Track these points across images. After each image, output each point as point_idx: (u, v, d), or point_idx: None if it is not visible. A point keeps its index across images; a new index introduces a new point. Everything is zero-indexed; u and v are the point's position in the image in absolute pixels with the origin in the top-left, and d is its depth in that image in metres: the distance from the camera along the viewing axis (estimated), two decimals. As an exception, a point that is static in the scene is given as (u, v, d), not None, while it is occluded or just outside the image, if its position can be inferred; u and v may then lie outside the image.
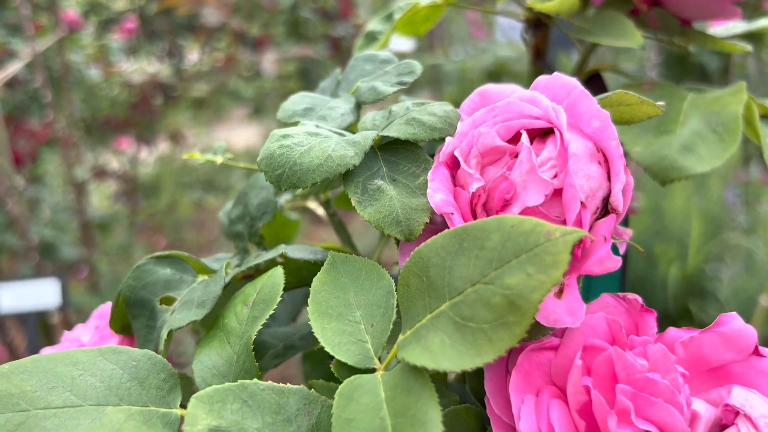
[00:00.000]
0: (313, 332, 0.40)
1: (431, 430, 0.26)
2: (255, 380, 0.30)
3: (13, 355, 1.94)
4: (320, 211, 0.50)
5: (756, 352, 0.34)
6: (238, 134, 3.82)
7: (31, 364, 0.32)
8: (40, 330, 1.84)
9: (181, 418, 0.32)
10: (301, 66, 2.82)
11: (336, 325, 0.32)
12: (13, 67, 1.89)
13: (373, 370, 0.30)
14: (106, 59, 2.57)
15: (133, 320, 0.39)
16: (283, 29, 2.82)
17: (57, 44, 2.09)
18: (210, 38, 2.88)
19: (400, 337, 0.30)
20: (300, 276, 0.40)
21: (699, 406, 0.33)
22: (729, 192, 2.29)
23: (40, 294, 1.77)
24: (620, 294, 0.36)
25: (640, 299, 0.35)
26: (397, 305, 0.31)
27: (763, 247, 1.87)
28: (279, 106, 0.42)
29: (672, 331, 0.35)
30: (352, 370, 0.30)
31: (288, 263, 0.40)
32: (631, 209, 0.58)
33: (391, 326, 0.31)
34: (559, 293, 0.31)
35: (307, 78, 2.75)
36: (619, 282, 0.52)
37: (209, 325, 0.38)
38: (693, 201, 2.11)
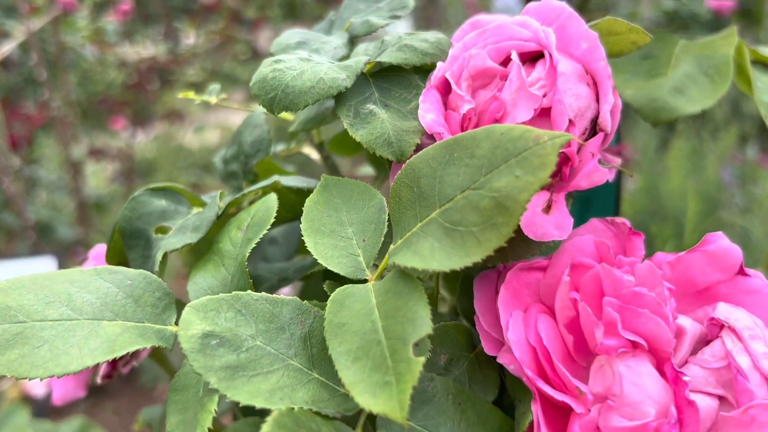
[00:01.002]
0: (306, 265, 0.41)
1: (421, 328, 0.27)
2: (249, 291, 0.31)
3: None
4: (314, 155, 0.50)
5: (741, 272, 0.34)
6: (236, 117, 3.81)
7: (29, 281, 0.33)
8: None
9: (176, 335, 0.33)
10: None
11: (328, 240, 0.32)
12: (8, 46, 1.88)
13: (365, 281, 0.31)
14: (102, 40, 2.56)
15: (128, 251, 0.40)
16: (279, 11, 2.82)
17: (52, 25, 2.08)
18: (206, 20, 2.87)
19: (391, 247, 0.30)
20: (293, 210, 0.41)
21: (685, 322, 0.33)
22: (725, 172, 2.29)
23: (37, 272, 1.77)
24: (608, 218, 0.36)
25: (628, 223, 0.36)
26: (389, 220, 0.32)
27: (758, 225, 1.88)
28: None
29: (660, 255, 0.36)
30: (344, 282, 0.31)
31: (282, 197, 0.40)
32: (624, 157, 0.59)
33: (383, 239, 0.31)
34: (548, 209, 0.32)
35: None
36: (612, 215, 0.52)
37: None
38: (689, 181, 2.11)
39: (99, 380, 0.43)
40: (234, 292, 0.31)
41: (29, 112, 2.69)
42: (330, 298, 0.30)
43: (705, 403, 0.30)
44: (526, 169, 0.27)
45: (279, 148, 0.55)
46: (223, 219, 0.40)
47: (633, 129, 2.85)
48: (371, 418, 0.30)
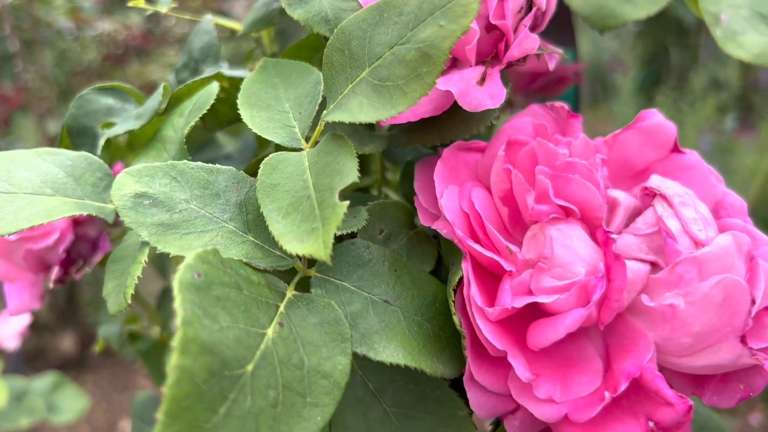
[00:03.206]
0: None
1: (347, 176, 0.27)
2: (184, 160, 0.31)
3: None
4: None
5: (676, 149, 0.35)
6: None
7: (-34, 159, 0.33)
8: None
9: (116, 213, 0.33)
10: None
11: (265, 114, 0.32)
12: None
13: (300, 150, 0.31)
14: (79, 17, 2.53)
15: (76, 150, 0.40)
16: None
17: (26, 2, 2.05)
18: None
19: (324, 112, 0.31)
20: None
21: (619, 195, 0.34)
22: (703, 142, 2.31)
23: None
24: (548, 103, 0.37)
25: (567, 106, 0.36)
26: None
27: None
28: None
29: (598, 138, 0.36)
30: (279, 150, 0.31)
31: (229, 97, 0.40)
32: (579, 78, 0.59)
33: (317, 108, 0.32)
34: (482, 81, 0.32)
35: (284, 35, 2.72)
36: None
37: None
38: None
39: (51, 285, 0.43)
40: (170, 162, 0.31)
41: (6, 93, 2.65)
42: (263, 162, 0.30)
43: (636, 268, 0.31)
44: (450, 18, 0.27)
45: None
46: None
47: (611, 102, 2.86)
48: (304, 281, 0.30)
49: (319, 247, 0.26)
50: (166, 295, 0.51)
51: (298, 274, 0.30)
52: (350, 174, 0.27)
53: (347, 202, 0.26)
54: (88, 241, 0.44)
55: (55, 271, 0.43)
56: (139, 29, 2.74)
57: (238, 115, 0.40)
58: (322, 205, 0.27)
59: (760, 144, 2.25)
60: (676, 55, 2.34)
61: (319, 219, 0.27)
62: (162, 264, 0.54)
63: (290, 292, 0.28)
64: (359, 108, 0.28)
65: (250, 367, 0.24)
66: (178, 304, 0.22)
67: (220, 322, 0.23)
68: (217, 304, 0.24)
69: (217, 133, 0.52)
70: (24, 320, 0.94)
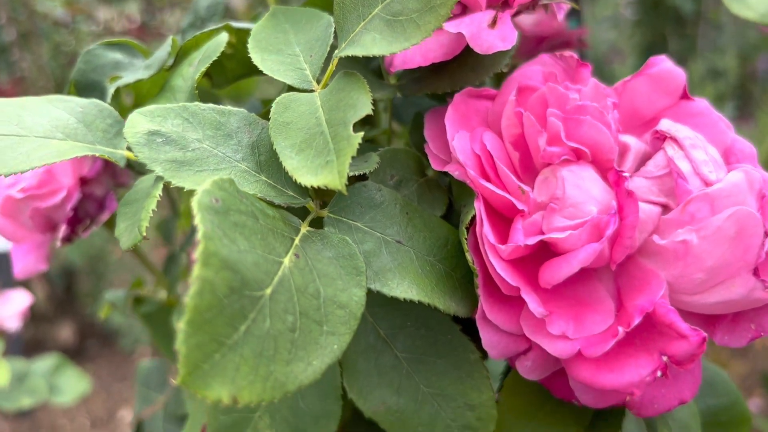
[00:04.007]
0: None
1: (361, 109, 0.27)
2: (196, 102, 0.31)
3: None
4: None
5: (685, 96, 0.35)
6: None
7: (-23, 104, 0.33)
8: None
9: (127, 159, 0.33)
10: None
11: (276, 57, 0.32)
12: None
13: (311, 92, 0.31)
14: (76, 6, 2.52)
15: (84, 104, 0.40)
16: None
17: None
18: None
19: (336, 52, 0.31)
20: (249, 65, 0.41)
21: (630, 139, 0.34)
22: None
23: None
24: (557, 53, 0.37)
25: (576, 55, 0.36)
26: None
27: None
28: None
29: (607, 87, 0.36)
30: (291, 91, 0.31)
31: (237, 53, 0.40)
32: (583, 43, 0.59)
33: (328, 50, 0.32)
34: (493, 24, 0.32)
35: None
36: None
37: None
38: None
39: (59, 243, 0.43)
40: (182, 103, 0.31)
41: (2, 86, 2.65)
42: (275, 101, 0.30)
43: (648, 209, 0.31)
44: (464, -49, 0.27)
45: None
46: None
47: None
48: (317, 221, 0.30)
49: (334, 178, 0.26)
50: (172, 260, 0.51)
51: (311, 214, 0.30)
52: (364, 107, 0.27)
53: (361, 133, 0.26)
54: (95, 200, 0.44)
55: (63, 229, 0.42)
56: (134, 22, 2.73)
57: (246, 70, 0.41)
58: (335, 139, 0.27)
59: (758, 133, 2.26)
60: (674, 44, 2.34)
61: (334, 152, 0.27)
62: (167, 230, 0.54)
63: (304, 228, 0.28)
64: (372, 42, 0.28)
65: (268, 291, 0.24)
66: (198, 220, 0.22)
67: (239, 246, 0.23)
68: (235, 229, 0.24)
69: (223, 99, 0.52)
70: (25, 301, 0.93)
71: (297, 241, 0.27)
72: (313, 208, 0.30)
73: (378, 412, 0.33)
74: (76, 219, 0.43)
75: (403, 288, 0.29)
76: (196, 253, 0.21)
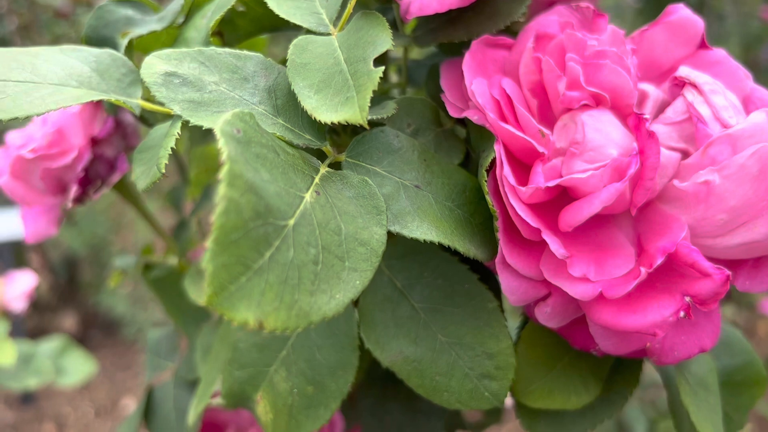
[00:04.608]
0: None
1: (381, 45, 0.27)
2: (212, 47, 0.31)
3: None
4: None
5: (703, 45, 0.35)
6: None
7: (-10, 52, 0.32)
8: (15, 261, 1.83)
9: (142, 107, 0.33)
10: None
11: (291, 2, 0.32)
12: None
13: (328, 35, 0.31)
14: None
15: (95, 61, 0.39)
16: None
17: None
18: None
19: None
20: (260, 23, 0.41)
21: (648, 87, 0.34)
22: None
23: (13, 224, 1.75)
24: (573, 4, 0.36)
25: (592, 6, 0.36)
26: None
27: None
28: None
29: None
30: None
31: (249, 11, 0.40)
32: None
33: (345, -6, 0.31)
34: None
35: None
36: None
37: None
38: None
39: (69, 204, 0.43)
40: (197, 48, 0.30)
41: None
42: (292, 43, 0.30)
43: (668, 155, 0.31)
44: None
45: None
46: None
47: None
48: (335, 165, 0.30)
49: (354, 113, 0.26)
50: (182, 226, 0.51)
51: (329, 158, 0.30)
52: (384, 43, 0.27)
53: (382, 68, 0.26)
54: (106, 161, 0.44)
55: (74, 190, 0.42)
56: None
57: (257, 29, 0.40)
58: (355, 75, 0.27)
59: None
60: (676, 32, 2.33)
61: (353, 88, 0.26)
62: (176, 198, 0.53)
63: (324, 168, 0.28)
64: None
65: (291, 222, 0.23)
66: (222, 144, 0.21)
67: (261, 176, 0.23)
68: (256, 160, 0.23)
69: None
70: (30, 282, 0.93)
71: (317, 179, 0.27)
72: (331, 152, 0.30)
73: (396, 362, 0.33)
74: (87, 180, 0.43)
75: (423, 230, 0.28)
76: (221, 174, 0.20)
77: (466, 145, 0.34)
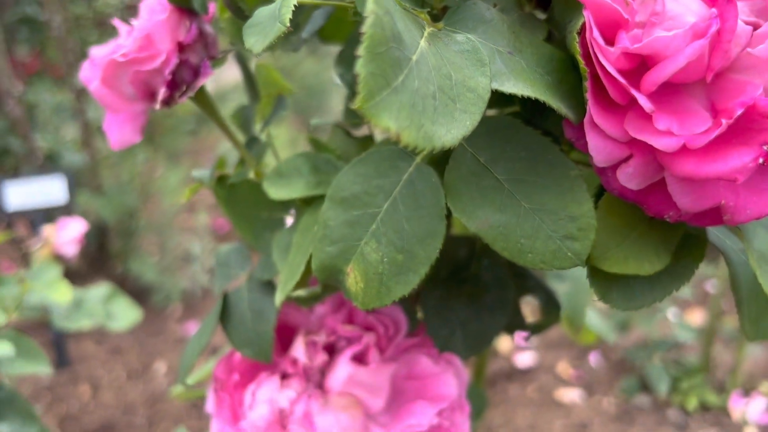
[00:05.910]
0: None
1: None
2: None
3: (24, 260, 1.97)
4: None
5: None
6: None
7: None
8: (48, 228, 1.87)
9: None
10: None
11: None
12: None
13: None
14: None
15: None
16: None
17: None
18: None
19: None
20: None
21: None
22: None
23: (47, 191, 1.79)
24: None
25: None
26: None
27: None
28: None
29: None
30: None
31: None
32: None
33: None
34: None
35: None
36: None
37: None
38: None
39: (158, 106, 0.45)
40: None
41: (23, 60, 2.68)
42: None
43: (741, 26, 0.33)
44: None
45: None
46: None
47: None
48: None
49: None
50: (252, 141, 0.53)
51: (427, 28, 0.32)
52: None
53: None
54: (191, 67, 0.46)
55: (162, 92, 0.45)
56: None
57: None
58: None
59: None
60: None
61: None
62: (246, 118, 0.56)
63: (429, 27, 0.30)
64: None
65: (414, 57, 0.26)
66: (363, -28, 0.24)
67: (392, 10, 0.25)
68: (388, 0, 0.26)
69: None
70: (80, 228, 0.97)
71: (426, 33, 0.29)
72: (428, 20, 0.32)
73: (482, 228, 0.35)
74: (174, 84, 0.45)
75: (519, 87, 0.31)
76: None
77: (547, 27, 0.37)
